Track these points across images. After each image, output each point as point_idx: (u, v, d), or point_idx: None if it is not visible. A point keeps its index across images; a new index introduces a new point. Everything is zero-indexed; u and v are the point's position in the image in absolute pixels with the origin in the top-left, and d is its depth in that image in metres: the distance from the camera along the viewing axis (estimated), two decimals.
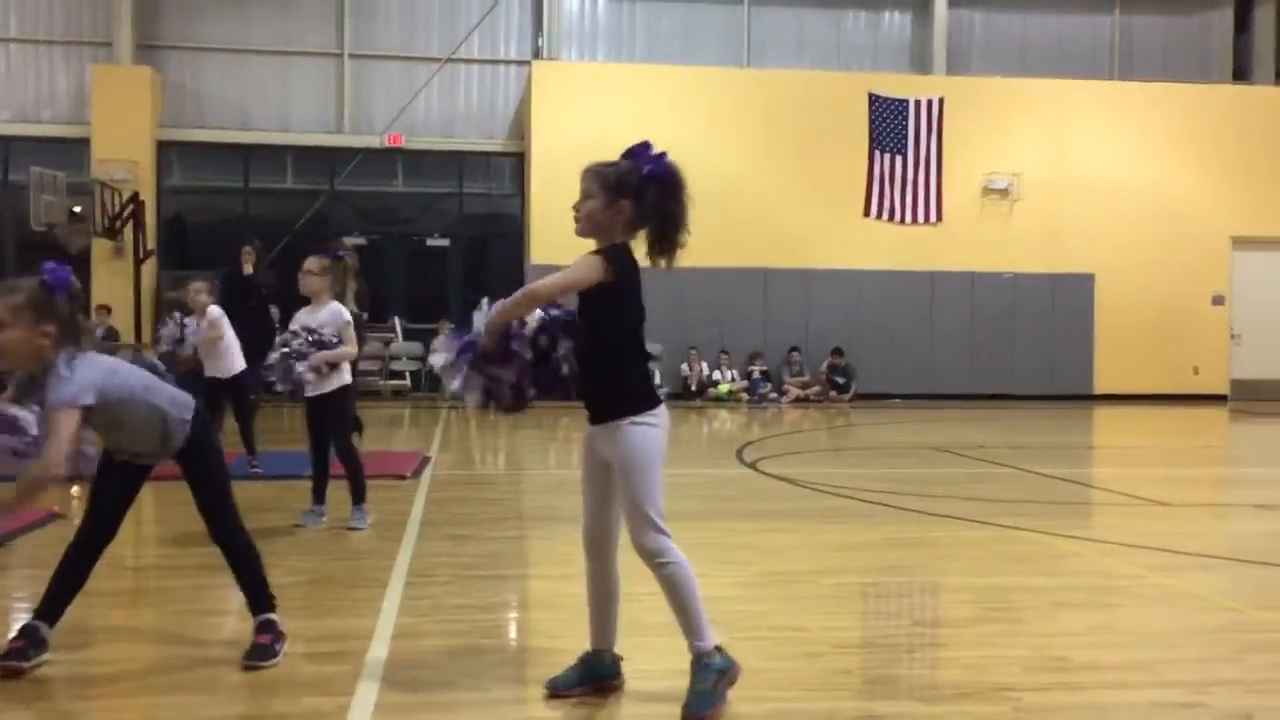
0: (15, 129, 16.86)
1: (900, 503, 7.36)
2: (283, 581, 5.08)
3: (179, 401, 3.78)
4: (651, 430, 3.51)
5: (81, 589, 3.80)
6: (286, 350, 6.12)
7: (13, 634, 3.72)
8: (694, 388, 17.06)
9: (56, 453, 3.37)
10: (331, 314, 6.26)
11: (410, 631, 4.19)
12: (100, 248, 16.11)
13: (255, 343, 8.32)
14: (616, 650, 3.59)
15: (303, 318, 6.29)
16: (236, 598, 4.01)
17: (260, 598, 3.89)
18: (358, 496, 6.34)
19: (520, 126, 17.97)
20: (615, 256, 3.48)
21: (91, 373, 3.52)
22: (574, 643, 4.11)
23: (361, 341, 6.65)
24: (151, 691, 3.51)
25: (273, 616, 3.86)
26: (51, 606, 3.73)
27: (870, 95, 17.79)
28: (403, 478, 8.12)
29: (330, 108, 17.75)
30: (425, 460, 9.13)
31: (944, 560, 5.75)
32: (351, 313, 6.36)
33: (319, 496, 6.38)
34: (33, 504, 3.66)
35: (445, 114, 18.05)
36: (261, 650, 3.73)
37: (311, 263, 6.36)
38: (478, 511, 7.17)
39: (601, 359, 3.47)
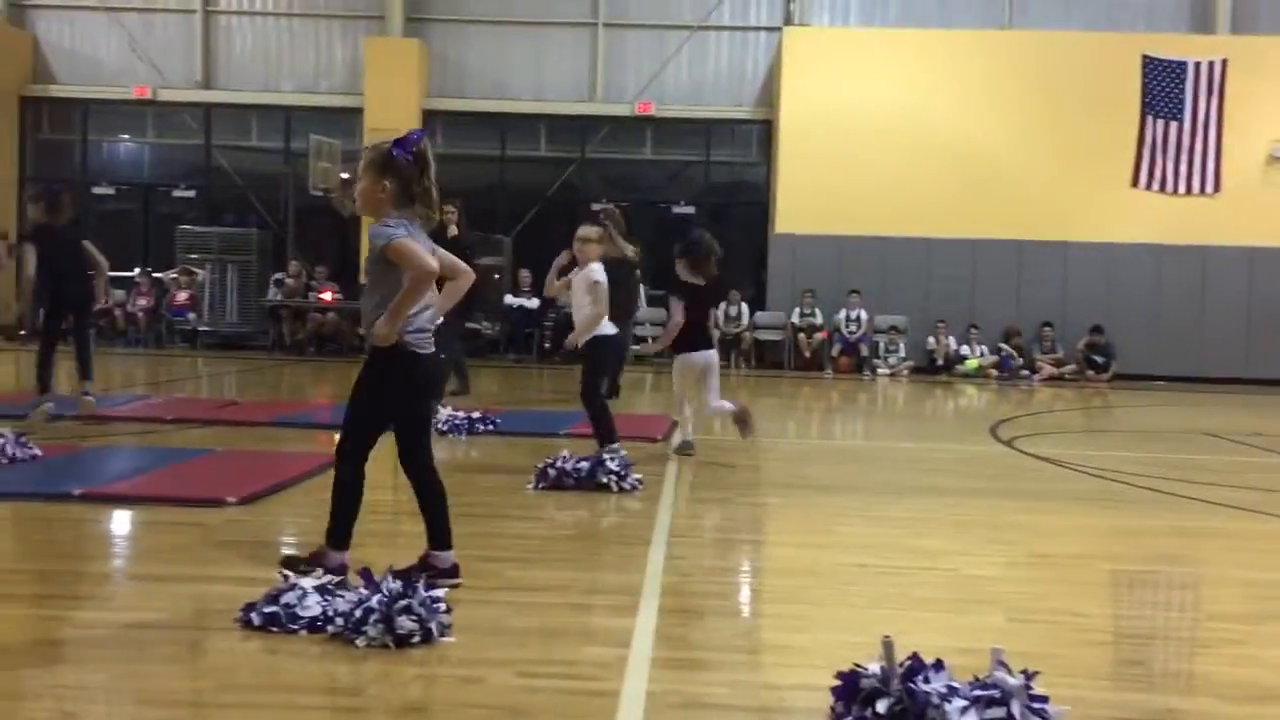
0: (296, 99, 18.00)
1: (1171, 489, 6.92)
2: (546, 534, 5.28)
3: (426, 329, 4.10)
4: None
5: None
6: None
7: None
8: (940, 362, 16.57)
9: (421, 260, 3.89)
10: (584, 275, 6.77)
11: (677, 590, 4.24)
12: None
13: (464, 300, 8.48)
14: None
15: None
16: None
17: (435, 534, 4.18)
18: (602, 442, 6.63)
19: (769, 93, 17.82)
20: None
21: (400, 228, 3.94)
22: (836, 610, 4.07)
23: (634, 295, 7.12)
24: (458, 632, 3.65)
25: (440, 554, 4.13)
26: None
27: (1144, 57, 16.69)
28: (654, 440, 8.23)
29: (583, 77, 18.11)
30: (674, 424, 9.23)
31: (1227, 551, 5.37)
32: (629, 261, 6.68)
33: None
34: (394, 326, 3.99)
35: (694, 81, 18.10)
36: (410, 570, 3.92)
37: (589, 230, 6.83)
38: (730, 476, 7.20)
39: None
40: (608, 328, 6.90)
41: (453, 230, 9.92)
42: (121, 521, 5.25)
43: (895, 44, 17.00)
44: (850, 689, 2.85)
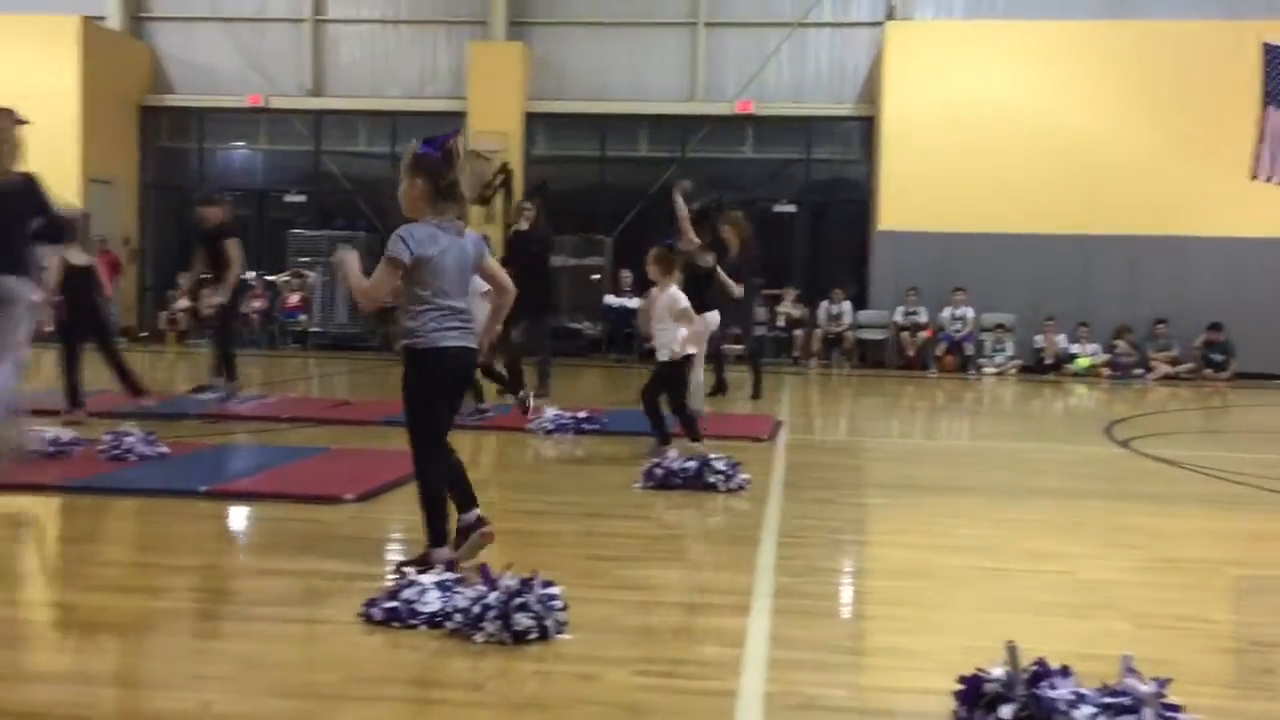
0: (403, 105, 18.33)
1: None
2: (655, 534, 5.30)
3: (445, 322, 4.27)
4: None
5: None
6: None
7: None
8: (1048, 361, 16.20)
9: (367, 286, 4.23)
10: (665, 300, 7.15)
11: (789, 590, 4.23)
12: (474, 214, 17.27)
13: (533, 295, 9.27)
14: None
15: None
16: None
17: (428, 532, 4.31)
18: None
19: (871, 90, 17.63)
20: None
21: (418, 233, 4.15)
22: (953, 615, 4.02)
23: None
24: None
25: (435, 551, 4.25)
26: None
27: (1265, 45, 16.09)
28: (759, 439, 8.22)
29: (683, 76, 18.12)
30: (778, 424, 9.20)
31: None
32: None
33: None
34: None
35: (794, 79, 17.99)
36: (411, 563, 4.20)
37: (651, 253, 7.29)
38: (837, 476, 7.15)
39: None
40: (689, 349, 7.22)
41: (522, 225, 10.36)
42: (245, 517, 5.42)
43: (1002, 36, 16.67)
44: (973, 693, 2.81)
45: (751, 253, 11.06)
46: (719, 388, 11.13)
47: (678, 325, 7.10)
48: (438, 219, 4.20)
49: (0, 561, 4.66)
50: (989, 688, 2.79)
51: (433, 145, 4.17)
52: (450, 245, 4.22)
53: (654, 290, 7.32)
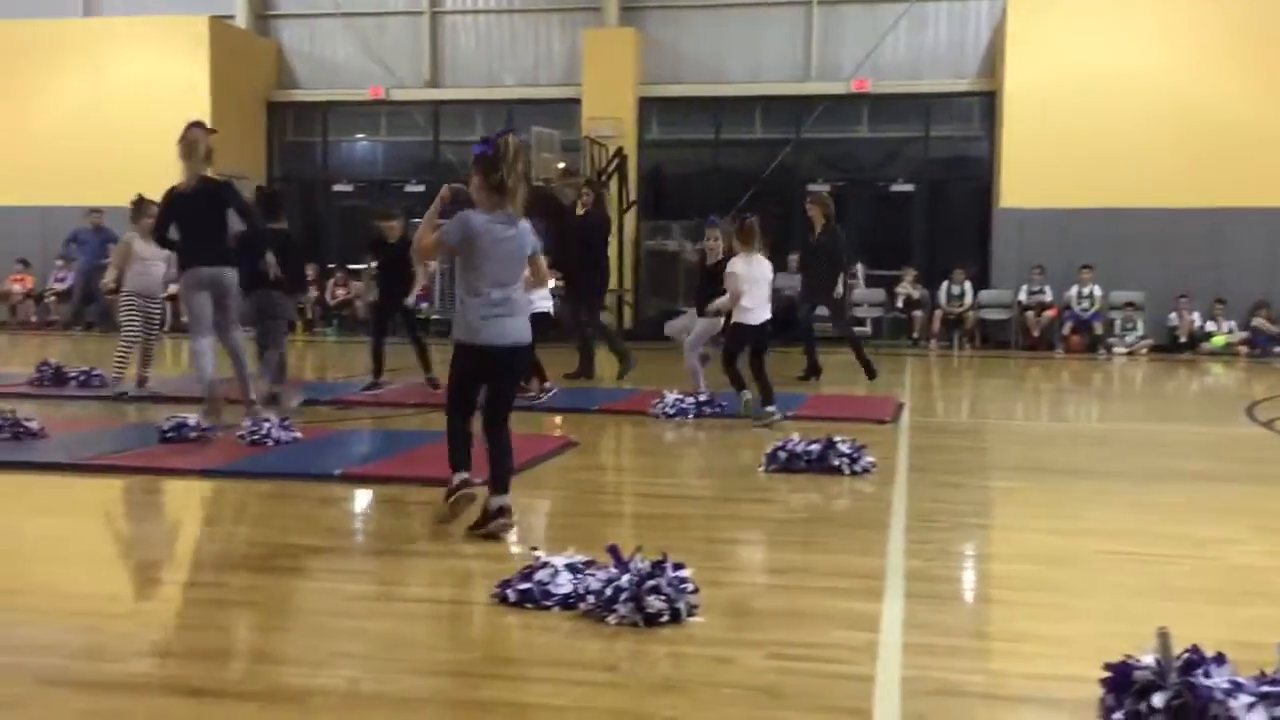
0: (518, 92, 18.52)
1: None
2: (782, 517, 5.27)
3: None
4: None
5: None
6: None
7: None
8: (1182, 339, 15.62)
9: (427, 218, 4.83)
10: (758, 268, 7.90)
11: (921, 575, 4.16)
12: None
13: (586, 277, 10.59)
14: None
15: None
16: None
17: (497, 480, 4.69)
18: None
19: (991, 64, 17.19)
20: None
21: (472, 221, 4.59)
22: (1093, 600, 3.91)
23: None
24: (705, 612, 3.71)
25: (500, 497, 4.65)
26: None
27: None
28: (882, 422, 8.11)
29: (798, 56, 17.91)
30: (900, 406, 9.07)
31: None
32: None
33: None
34: None
35: (912, 55, 17.63)
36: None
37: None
38: (964, 459, 7.02)
39: None
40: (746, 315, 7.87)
41: (580, 210, 11.09)
42: (378, 499, 5.56)
43: (1129, 5, 16.05)
44: (1122, 681, 2.73)
45: (835, 232, 10.97)
46: (811, 370, 10.98)
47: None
48: (491, 211, 4.61)
49: (152, 543, 4.87)
50: (1139, 675, 2.70)
51: (487, 144, 4.60)
52: (500, 236, 4.61)
53: (735, 260, 7.92)
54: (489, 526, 4.60)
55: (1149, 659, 2.73)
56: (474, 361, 4.67)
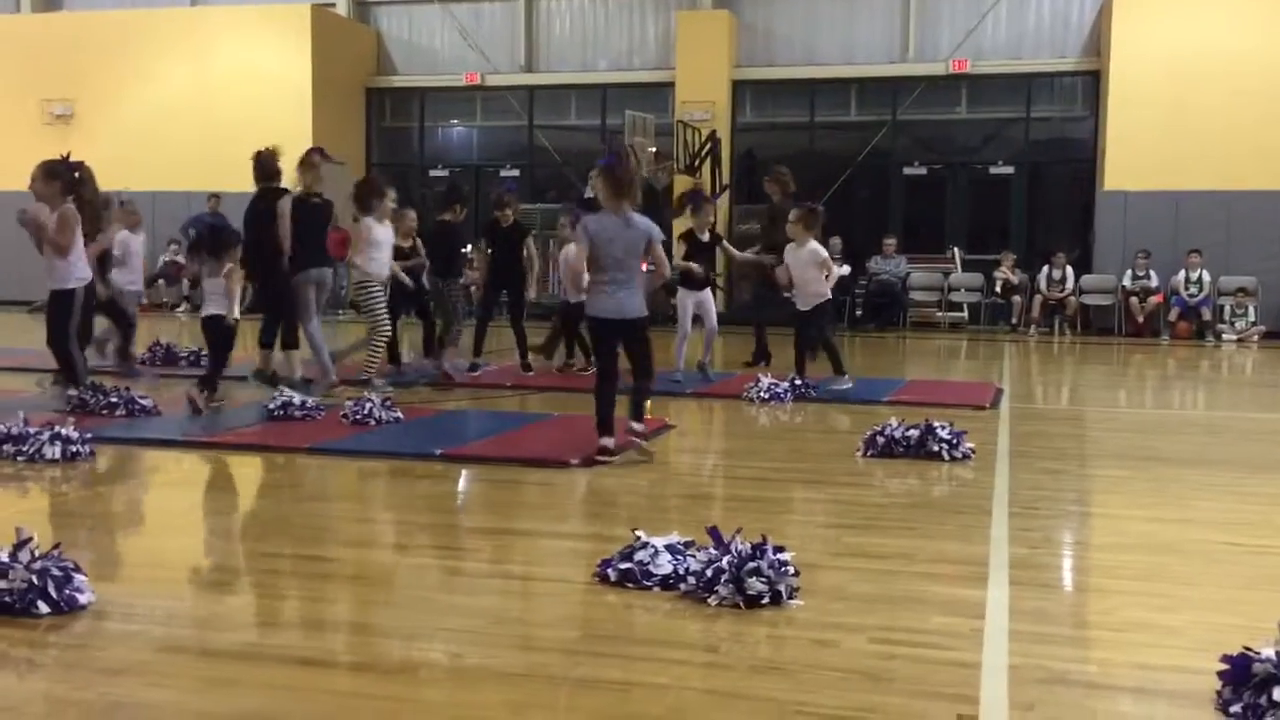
0: (612, 77, 18.55)
1: None
2: (882, 502, 5.23)
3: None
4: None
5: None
6: None
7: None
8: None
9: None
10: (806, 254, 8.55)
11: (1026, 563, 4.09)
12: (681, 184, 17.32)
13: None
14: None
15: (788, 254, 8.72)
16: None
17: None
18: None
19: (1096, 42, 16.72)
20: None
21: (593, 222, 5.70)
22: (1206, 590, 3.80)
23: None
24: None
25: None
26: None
27: None
28: (982, 408, 7.98)
29: (894, 37, 17.64)
30: (999, 391, 8.91)
31: None
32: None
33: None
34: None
35: (1013, 34, 17.24)
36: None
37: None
38: (1066, 446, 6.88)
39: None
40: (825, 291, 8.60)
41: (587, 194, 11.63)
42: (478, 479, 5.64)
43: None
44: (1241, 674, 2.66)
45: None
46: (760, 355, 10.55)
47: (820, 274, 8.50)
48: (616, 212, 5.65)
49: (260, 518, 5.01)
50: (1259, 668, 2.63)
51: (612, 156, 5.95)
52: (618, 232, 5.62)
53: (792, 246, 8.62)
54: (631, 434, 5.74)
55: (1269, 651, 2.66)
56: (602, 330, 5.81)
